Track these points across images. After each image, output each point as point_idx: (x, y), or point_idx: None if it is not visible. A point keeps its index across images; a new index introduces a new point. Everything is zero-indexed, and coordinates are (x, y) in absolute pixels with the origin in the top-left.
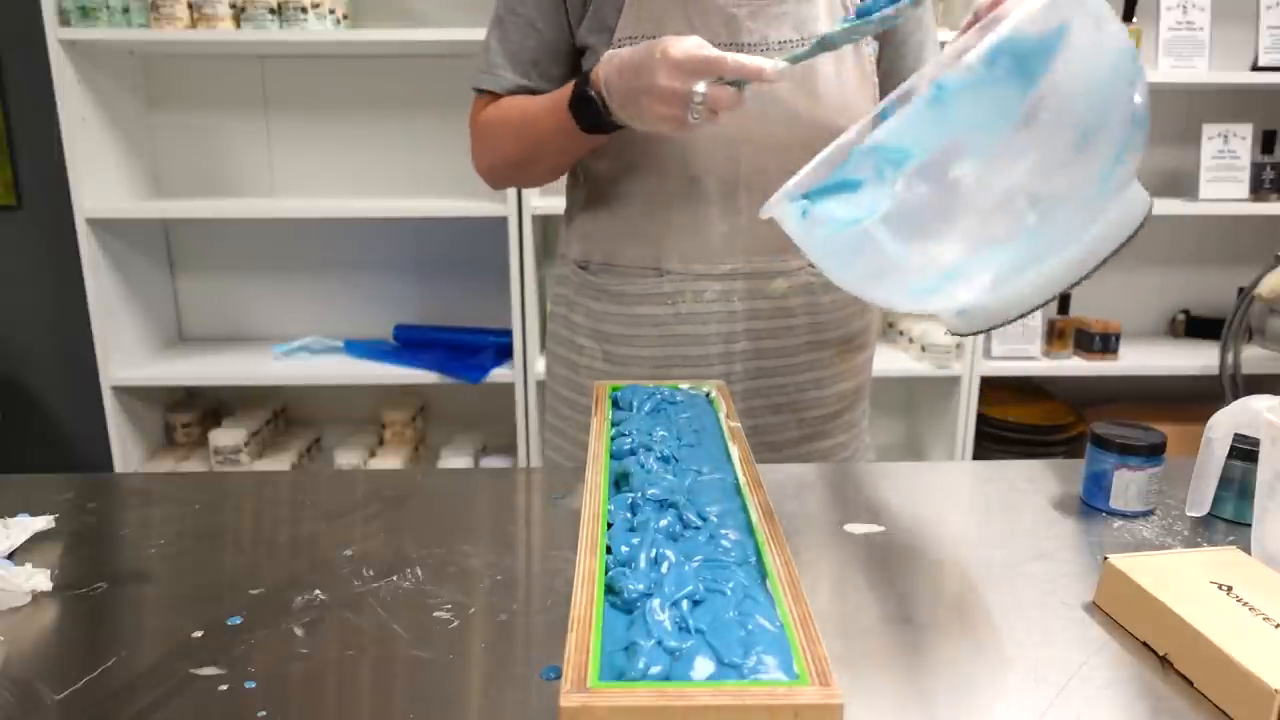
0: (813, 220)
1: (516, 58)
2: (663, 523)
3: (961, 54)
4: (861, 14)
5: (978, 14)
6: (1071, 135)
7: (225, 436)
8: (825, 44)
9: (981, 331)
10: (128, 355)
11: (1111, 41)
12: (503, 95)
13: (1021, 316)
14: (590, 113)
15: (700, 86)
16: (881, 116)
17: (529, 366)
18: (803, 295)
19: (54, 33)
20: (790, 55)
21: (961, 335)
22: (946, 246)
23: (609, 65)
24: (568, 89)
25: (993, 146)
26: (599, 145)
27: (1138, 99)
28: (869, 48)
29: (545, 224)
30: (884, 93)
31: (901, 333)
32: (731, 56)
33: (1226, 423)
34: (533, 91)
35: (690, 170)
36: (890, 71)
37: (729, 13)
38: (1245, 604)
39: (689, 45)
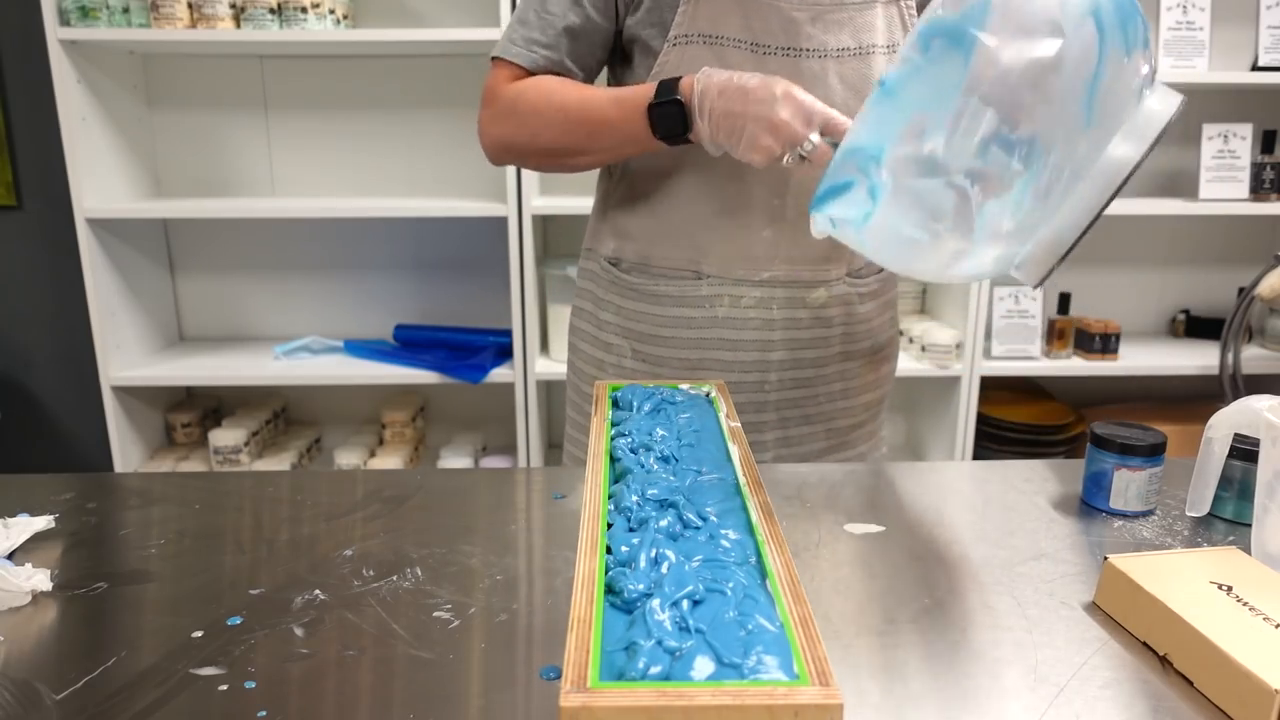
0: (841, 225)
1: (555, 33)
2: (663, 523)
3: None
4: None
5: None
6: (1027, 78)
7: (225, 436)
8: None
9: (1048, 273)
10: (128, 355)
11: None
12: (527, 71)
13: (1077, 243)
14: (671, 122)
15: (815, 136)
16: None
17: (529, 366)
18: (840, 306)
19: (54, 33)
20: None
21: (1036, 285)
22: (948, 214)
23: (708, 81)
24: (642, 90)
25: (951, 114)
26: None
27: (1108, 15)
28: None
29: (545, 224)
30: None
31: (901, 333)
32: (844, 119)
33: (1226, 423)
34: (559, 74)
35: (737, 174)
36: None
37: (789, 16)
38: (1245, 604)
39: (808, 94)
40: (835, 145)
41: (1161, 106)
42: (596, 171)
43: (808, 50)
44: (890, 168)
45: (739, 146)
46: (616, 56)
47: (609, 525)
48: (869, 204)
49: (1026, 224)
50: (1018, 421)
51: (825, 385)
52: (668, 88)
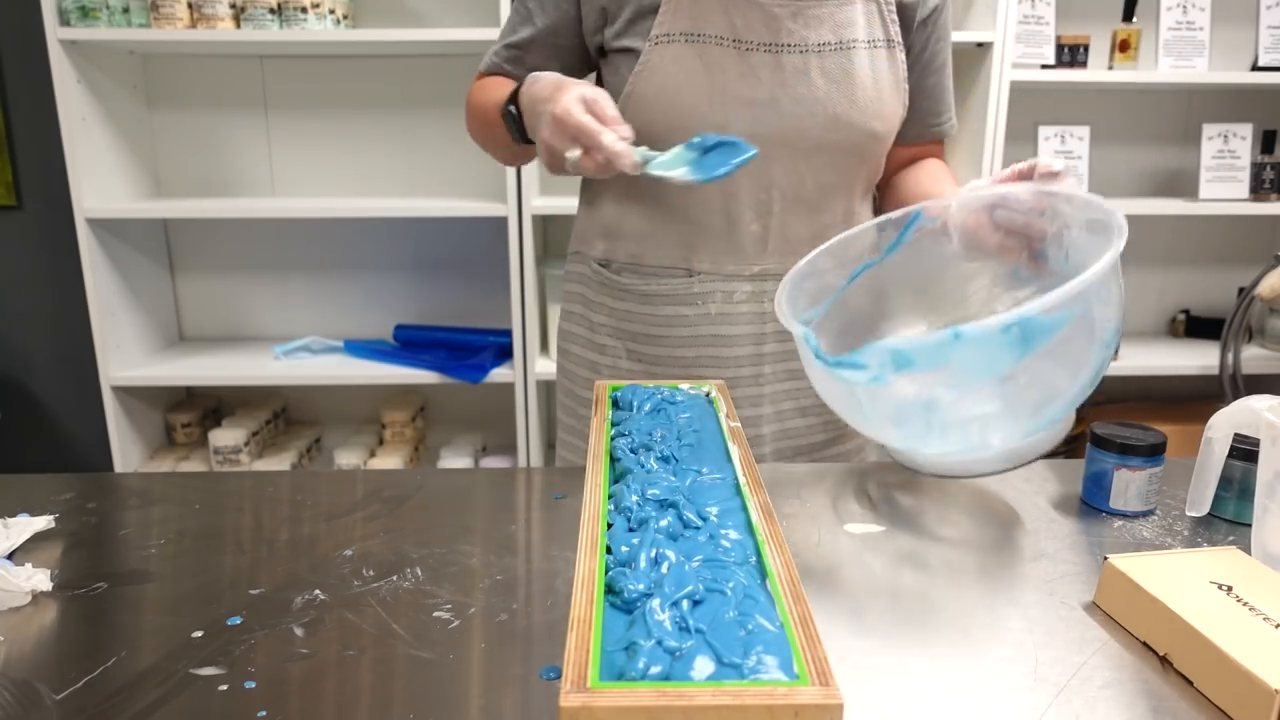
0: (812, 352)
1: (506, 42)
2: (663, 523)
3: (993, 201)
4: (700, 155)
5: (1032, 170)
6: (1036, 397)
7: (225, 436)
8: (649, 168)
9: (914, 471)
10: (128, 355)
11: (1101, 329)
12: (487, 74)
13: (937, 475)
14: (514, 127)
15: (574, 154)
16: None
17: (529, 366)
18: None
19: (54, 33)
20: (654, 163)
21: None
22: (896, 431)
23: (527, 89)
24: (506, 94)
25: (971, 388)
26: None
27: (1097, 374)
28: (901, 53)
29: (545, 224)
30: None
31: None
32: (607, 137)
33: (1226, 423)
34: (510, 78)
35: None
36: (914, 82)
37: (771, 12)
38: (1245, 604)
39: (573, 107)
40: (650, 162)
41: (1057, 435)
42: None
43: (789, 45)
44: (901, 378)
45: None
46: (598, 58)
47: (609, 525)
48: (860, 381)
49: (936, 459)
50: None
51: None
52: (515, 94)
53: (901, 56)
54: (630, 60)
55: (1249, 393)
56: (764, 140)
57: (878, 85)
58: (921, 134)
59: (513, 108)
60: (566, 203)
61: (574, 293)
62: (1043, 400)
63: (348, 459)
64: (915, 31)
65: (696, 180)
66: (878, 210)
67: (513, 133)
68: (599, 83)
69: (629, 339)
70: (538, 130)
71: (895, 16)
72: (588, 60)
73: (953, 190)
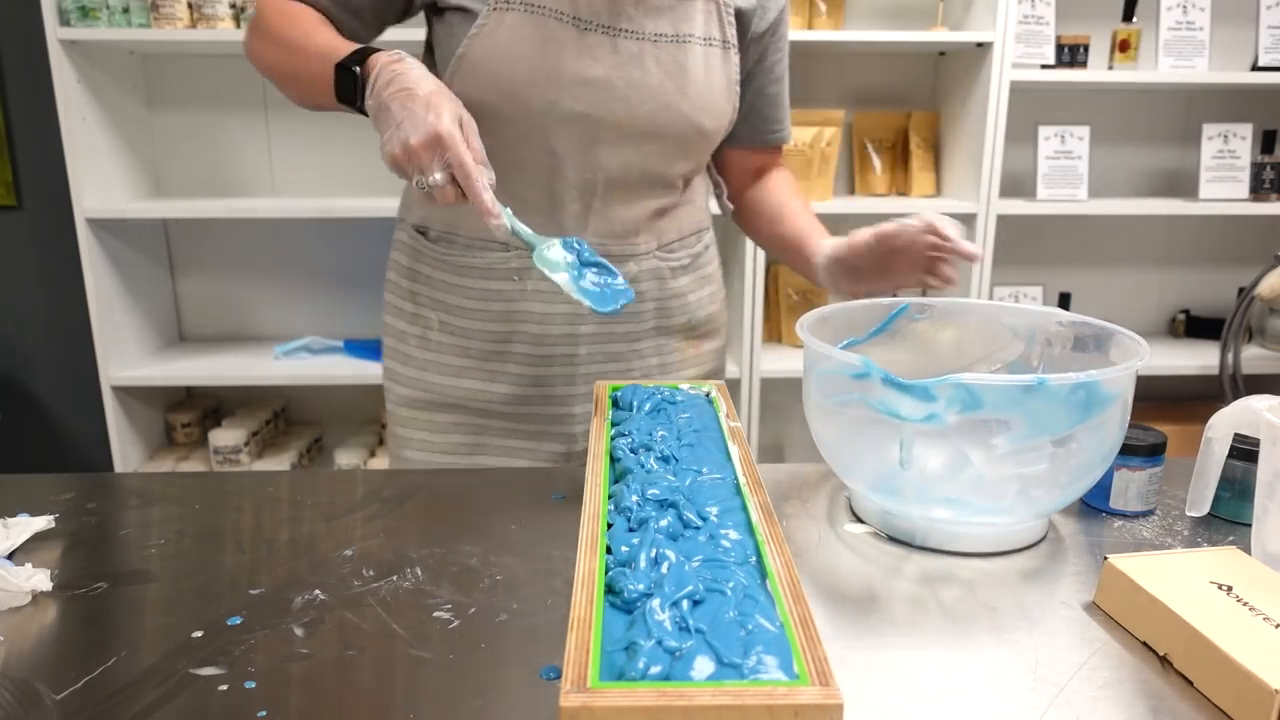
0: (879, 377)
1: None
2: (663, 523)
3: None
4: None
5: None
6: (1077, 465)
7: (225, 436)
8: (535, 252)
9: (875, 532)
10: (128, 355)
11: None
12: None
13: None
14: (344, 89)
15: (438, 176)
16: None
17: None
18: (652, 280)
19: (54, 33)
20: (515, 228)
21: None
22: (930, 480)
23: (389, 67)
24: (345, 49)
25: (1025, 442)
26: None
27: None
28: (736, 56)
29: None
30: (742, 99)
31: None
32: (485, 192)
33: (1226, 423)
34: (326, 12)
35: (549, 145)
36: (751, 81)
37: None
38: (1245, 604)
39: (457, 134)
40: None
41: (1038, 530)
42: None
43: (627, 30)
44: (957, 416)
45: (380, 143)
46: (432, 15)
47: (609, 525)
48: (909, 414)
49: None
50: None
51: (640, 360)
52: (361, 56)
53: (735, 59)
54: (465, 22)
55: (1249, 393)
56: (594, 122)
57: (710, 82)
58: (763, 140)
59: (356, 69)
60: None
61: (394, 260)
62: (1082, 469)
63: (348, 459)
64: (756, 41)
65: (592, 309)
66: (717, 218)
67: (345, 91)
68: (429, 44)
69: (444, 310)
70: (401, 130)
71: (733, 20)
72: (406, 12)
73: (802, 202)
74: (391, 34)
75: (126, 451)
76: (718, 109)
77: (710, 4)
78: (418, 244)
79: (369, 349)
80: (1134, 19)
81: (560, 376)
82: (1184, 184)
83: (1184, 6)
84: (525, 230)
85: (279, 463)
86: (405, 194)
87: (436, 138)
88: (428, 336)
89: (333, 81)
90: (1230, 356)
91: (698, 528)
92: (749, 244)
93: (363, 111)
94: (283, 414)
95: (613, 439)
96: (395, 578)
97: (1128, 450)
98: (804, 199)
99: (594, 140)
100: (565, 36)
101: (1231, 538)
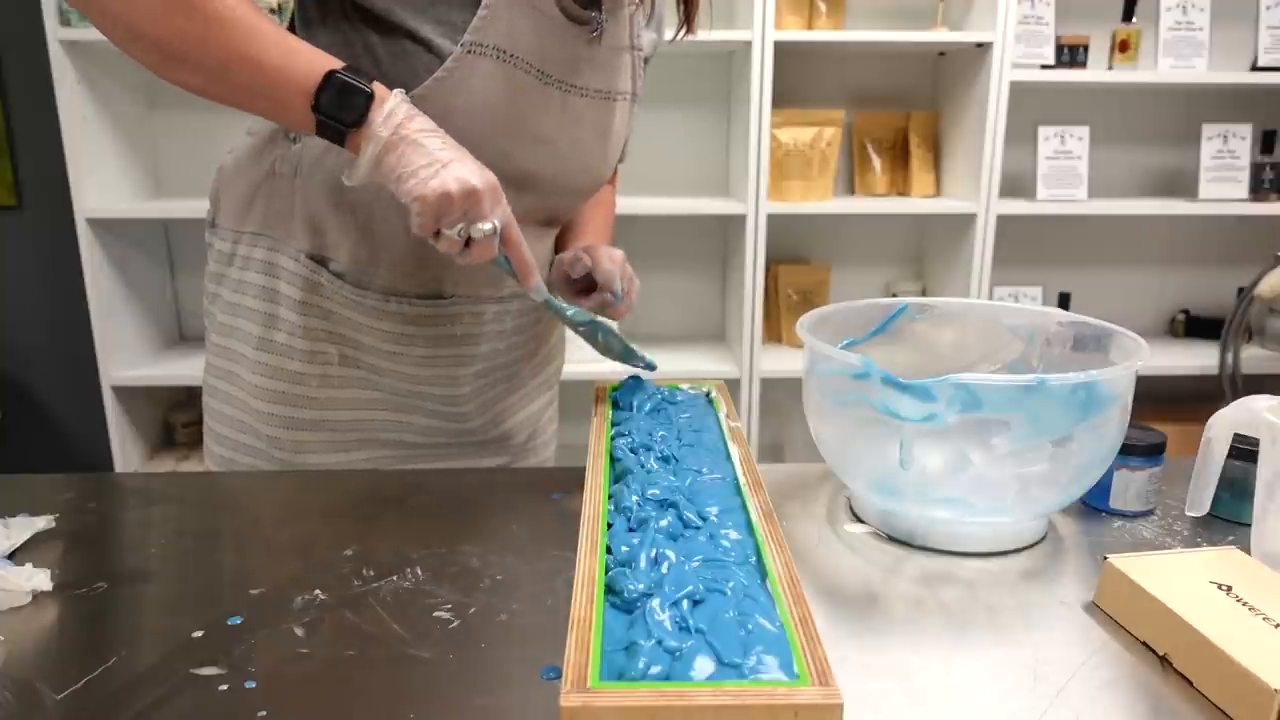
0: (879, 378)
1: None
2: (663, 523)
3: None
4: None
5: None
6: (1077, 465)
7: None
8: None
9: (875, 532)
10: (128, 355)
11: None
12: None
13: (897, 541)
14: (344, 106)
15: (491, 226)
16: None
17: None
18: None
19: (54, 33)
20: (548, 298)
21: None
22: (927, 479)
23: (410, 108)
24: (323, 56)
25: (1025, 442)
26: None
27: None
28: (637, 106)
29: None
30: None
31: None
32: (526, 249)
33: (1226, 423)
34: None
35: None
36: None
37: (574, 51)
38: (1245, 604)
39: (498, 183)
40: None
41: (1037, 532)
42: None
43: (577, 88)
44: (959, 418)
45: (407, 181)
46: (368, 25)
47: (609, 525)
48: (911, 414)
49: (914, 515)
50: None
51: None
52: (363, 73)
53: (636, 109)
54: (426, 56)
55: (1249, 393)
56: (534, 177)
57: (618, 139)
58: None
59: (369, 90)
60: None
61: (252, 283)
62: (1082, 469)
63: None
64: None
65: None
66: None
67: (338, 105)
68: (377, 62)
69: (348, 345)
70: (450, 169)
71: (643, 70)
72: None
73: (604, 210)
74: None
75: (126, 451)
76: (614, 161)
77: (630, 55)
78: (316, 275)
79: None
80: (1134, 19)
81: (455, 414)
82: (1183, 184)
83: (1184, 6)
84: (557, 302)
85: None
86: (274, 207)
87: (495, 186)
88: (329, 374)
89: (310, 84)
90: (1230, 356)
91: (698, 528)
92: (749, 244)
93: (336, 134)
94: None
95: (613, 439)
96: (395, 578)
97: (1128, 450)
98: (608, 207)
99: (522, 190)
100: (531, 90)
101: (1231, 538)
